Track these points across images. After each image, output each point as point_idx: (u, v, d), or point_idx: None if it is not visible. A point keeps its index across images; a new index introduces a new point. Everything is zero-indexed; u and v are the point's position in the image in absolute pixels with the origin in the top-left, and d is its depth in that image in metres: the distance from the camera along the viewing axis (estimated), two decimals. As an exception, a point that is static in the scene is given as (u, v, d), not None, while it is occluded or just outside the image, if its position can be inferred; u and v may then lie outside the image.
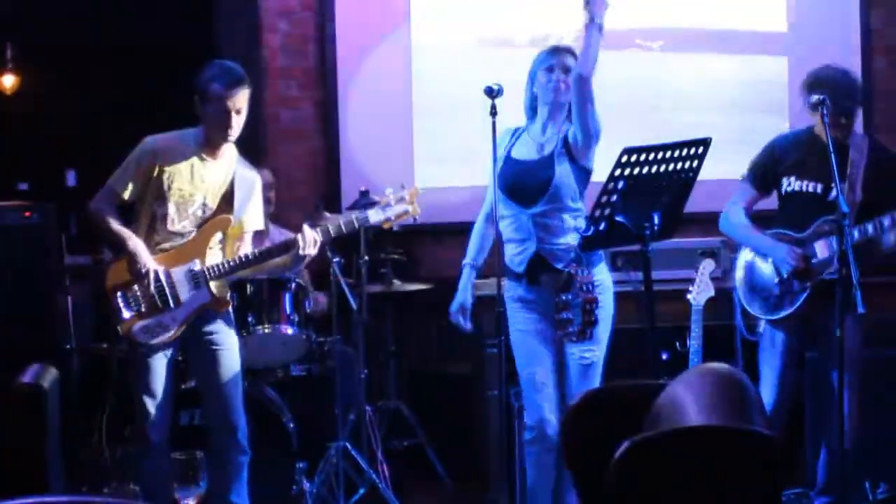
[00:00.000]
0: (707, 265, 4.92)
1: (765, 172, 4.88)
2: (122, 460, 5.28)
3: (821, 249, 4.67)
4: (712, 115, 6.56)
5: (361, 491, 5.28)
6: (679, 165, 4.16)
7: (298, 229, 5.88)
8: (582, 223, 4.41)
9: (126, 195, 4.45)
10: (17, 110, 8.25)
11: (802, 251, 4.70)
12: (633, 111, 6.43)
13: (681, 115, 6.55)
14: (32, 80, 8.23)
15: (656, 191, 4.14)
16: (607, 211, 4.10)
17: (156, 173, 4.41)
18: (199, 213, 4.46)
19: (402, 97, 6.59)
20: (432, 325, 6.47)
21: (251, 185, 4.57)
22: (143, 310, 4.39)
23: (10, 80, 7.74)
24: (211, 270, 4.44)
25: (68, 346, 5.52)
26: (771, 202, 5.00)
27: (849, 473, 4.60)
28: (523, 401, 4.56)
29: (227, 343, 4.55)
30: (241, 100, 4.40)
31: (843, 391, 4.30)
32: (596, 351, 4.44)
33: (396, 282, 5.85)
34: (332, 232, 4.48)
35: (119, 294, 4.39)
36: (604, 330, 4.46)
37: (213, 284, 4.45)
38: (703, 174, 4.43)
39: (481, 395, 5.40)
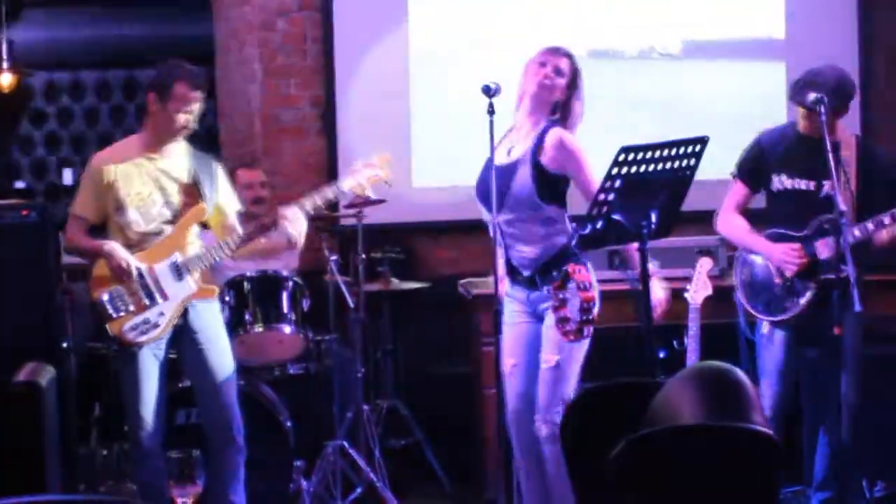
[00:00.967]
0: (704, 264, 4.91)
1: (755, 169, 4.86)
2: (120, 459, 5.27)
3: (822, 249, 4.65)
4: (711, 114, 6.57)
5: (359, 490, 5.28)
6: (676, 164, 4.16)
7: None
8: (560, 235, 4.39)
9: (90, 216, 4.49)
10: (14, 109, 8.25)
11: (802, 248, 4.69)
12: (632, 117, 6.45)
13: (680, 118, 6.55)
14: (30, 79, 8.23)
15: (654, 189, 4.14)
16: (604, 209, 4.10)
17: (109, 184, 4.44)
18: (166, 210, 4.47)
19: (400, 96, 6.59)
20: (430, 324, 6.48)
21: (212, 170, 4.59)
22: (130, 309, 4.40)
23: (7, 79, 7.73)
24: (192, 261, 4.44)
25: (66, 345, 5.51)
26: (758, 200, 4.98)
27: (848, 471, 4.60)
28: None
29: (218, 341, 4.55)
30: (199, 101, 4.45)
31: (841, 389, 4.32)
32: (558, 355, 4.35)
33: (394, 280, 5.85)
34: (307, 206, 4.49)
35: (105, 297, 4.39)
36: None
37: (196, 275, 4.45)
38: (701, 173, 4.43)
39: (479, 394, 5.40)
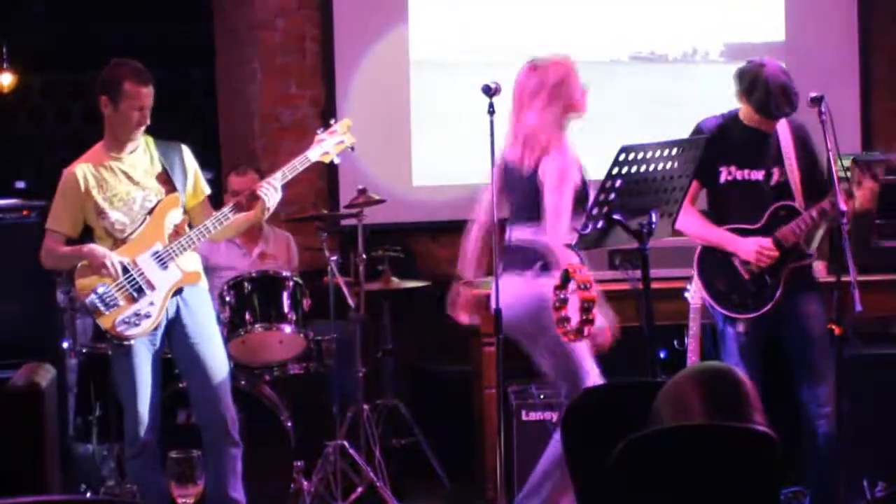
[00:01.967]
0: (704, 262, 4.90)
1: (701, 161, 4.62)
2: (120, 459, 5.27)
3: (785, 237, 4.64)
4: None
5: (359, 489, 5.28)
6: (677, 164, 4.16)
7: (294, 228, 5.92)
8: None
9: (67, 229, 4.49)
10: (14, 109, 8.25)
11: (771, 244, 4.66)
12: (631, 120, 6.45)
13: (679, 120, 6.55)
14: (30, 79, 8.23)
15: (654, 189, 4.14)
16: (605, 209, 4.10)
17: (84, 193, 4.46)
18: (147, 203, 4.49)
19: (400, 95, 6.59)
20: (430, 323, 6.47)
21: (179, 156, 4.60)
22: (120, 303, 4.40)
23: (7, 79, 7.73)
24: (173, 248, 4.45)
25: (66, 346, 5.51)
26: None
27: (838, 469, 4.60)
28: None
29: (209, 335, 4.56)
30: (149, 97, 4.46)
31: (839, 388, 4.32)
32: None
33: (394, 279, 5.85)
34: (278, 179, 4.52)
35: (93, 295, 4.39)
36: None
37: (180, 260, 4.46)
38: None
39: (479, 394, 5.40)
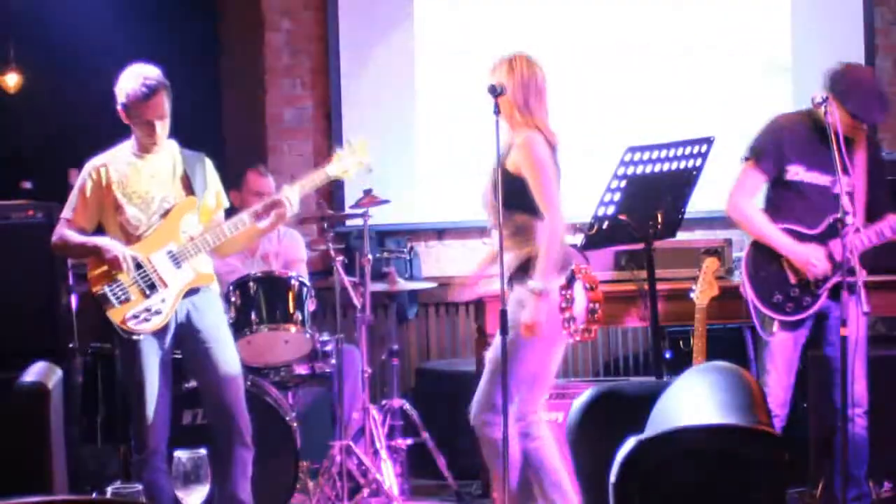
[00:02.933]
0: (710, 264, 4.90)
1: (771, 156, 4.67)
2: (126, 460, 5.27)
3: (836, 249, 4.59)
4: (711, 112, 6.57)
5: (365, 490, 5.28)
6: (682, 164, 4.16)
7: (300, 229, 5.91)
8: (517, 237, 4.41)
9: (83, 222, 4.49)
10: (20, 109, 8.25)
11: (825, 254, 4.63)
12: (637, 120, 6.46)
13: (681, 118, 6.56)
14: (36, 79, 8.23)
15: (659, 189, 4.14)
16: (611, 210, 4.10)
17: (105, 188, 4.46)
18: (165, 205, 4.49)
19: (405, 96, 6.59)
20: (436, 324, 6.48)
21: (201, 164, 4.61)
22: (131, 298, 4.41)
23: (13, 79, 7.73)
24: (188, 248, 4.46)
25: (72, 346, 5.51)
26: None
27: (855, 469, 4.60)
28: None
29: (221, 338, 4.55)
30: (158, 106, 4.44)
31: (846, 388, 4.31)
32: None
33: (399, 280, 5.85)
34: (296, 192, 4.50)
35: (105, 288, 4.40)
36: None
37: (193, 261, 4.46)
38: (707, 173, 4.43)
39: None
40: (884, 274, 5.04)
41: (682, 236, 4.84)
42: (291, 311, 5.23)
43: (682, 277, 5.12)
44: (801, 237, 4.66)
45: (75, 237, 4.51)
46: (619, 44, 6.65)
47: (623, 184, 4.05)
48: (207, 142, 4.97)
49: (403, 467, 5.58)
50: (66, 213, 4.55)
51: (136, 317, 4.40)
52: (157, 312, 4.42)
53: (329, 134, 6.60)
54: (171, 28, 7.29)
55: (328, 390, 5.50)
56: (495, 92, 4.24)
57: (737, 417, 2.98)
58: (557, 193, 4.16)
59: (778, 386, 4.72)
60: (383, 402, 5.82)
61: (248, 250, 5.57)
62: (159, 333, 4.44)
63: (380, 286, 5.71)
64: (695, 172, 4.27)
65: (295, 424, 5.10)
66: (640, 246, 4.25)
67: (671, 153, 4.12)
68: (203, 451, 2.77)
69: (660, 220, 4.14)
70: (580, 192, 4.43)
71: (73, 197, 4.56)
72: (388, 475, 5.29)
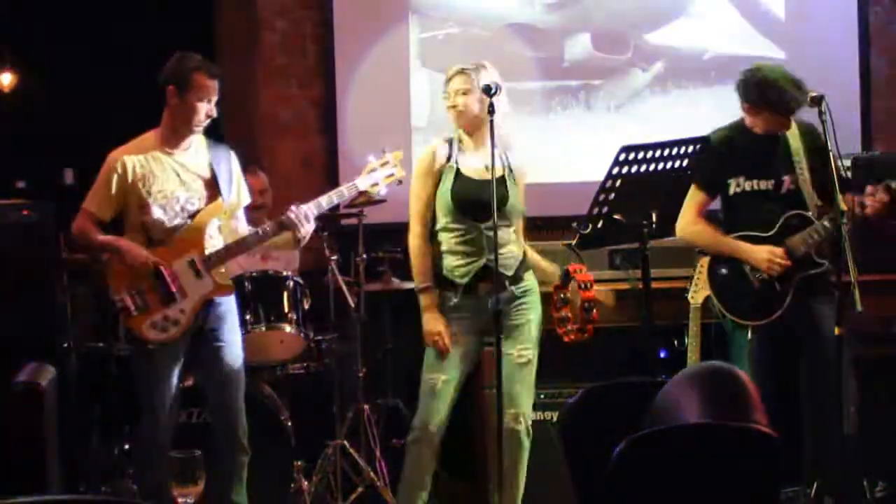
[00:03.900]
0: (705, 263, 4.91)
1: (713, 176, 4.75)
2: (121, 459, 5.27)
3: (796, 246, 4.64)
4: (703, 113, 6.57)
5: (359, 489, 5.28)
6: (677, 164, 4.16)
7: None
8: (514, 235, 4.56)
9: (102, 215, 4.47)
10: (15, 109, 8.24)
11: (783, 252, 4.65)
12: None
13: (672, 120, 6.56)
14: (30, 79, 8.22)
15: (654, 189, 4.14)
16: (605, 209, 4.10)
17: (130, 184, 4.43)
18: (189, 206, 4.47)
19: (400, 95, 6.59)
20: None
21: (228, 162, 4.59)
22: (150, 306, 4.39)
23: (7, 79, 7.72)
24: (210, 258, 4.44)
25: (66, 345, 5.51)
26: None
27: (848, 470, 4.61)
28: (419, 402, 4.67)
29: (233, 342, 4.55)
30: (216, 91, 4.46)
31: (841, 389, 4.32)
32: (531, 349, 4.56)
33: (394, 280, 5.85)
34: (324, 204, 4.53)
35: (124, 295, 4.39)
36: (537, 329, 4.58)
37: (214, 272, 4.45)
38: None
39: (478, 393, 5.40)
40: (874, 273, 5.07)
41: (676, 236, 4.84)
42: (286, 310, 5.24)
43: (676, 277, 5.12)
44: (757, 241, 4.69)
45: (97, 234, 4.46)
46: (616, 43, 6.65)
47: (617, 183, 4.05)
48: (222, 143, 4.95)
49: (398, 467, 5.58)
50: (90, 204, 4.49)
51: (153, 326, 4.40)
52: (175, 323, 4.41)
53: (324, 134, 6.60)
54: (166, 27, 7.28)
55: (323, 390, 5.50)
56: (490, 91, 4.25)
57: (731, 417, 2.98)
58: None
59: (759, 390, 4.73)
60: (378, 401, 5.82)
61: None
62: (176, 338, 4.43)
63: (375, 286, 5.71)
64: (689, 172, 4.27)
65: (289, 424, 5.11)
66: (635, 245, 4.25)
67: (666, 152, 4.12)
68: (198, 452, 2.77)
69: (654, 219, 4.14)
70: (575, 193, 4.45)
71: (97, 188, 4.49)
72: (383, 475, 5.29)
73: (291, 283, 5.27)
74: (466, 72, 4.54)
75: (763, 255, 4.66)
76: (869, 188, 4.57)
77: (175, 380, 4.47)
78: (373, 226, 5.66)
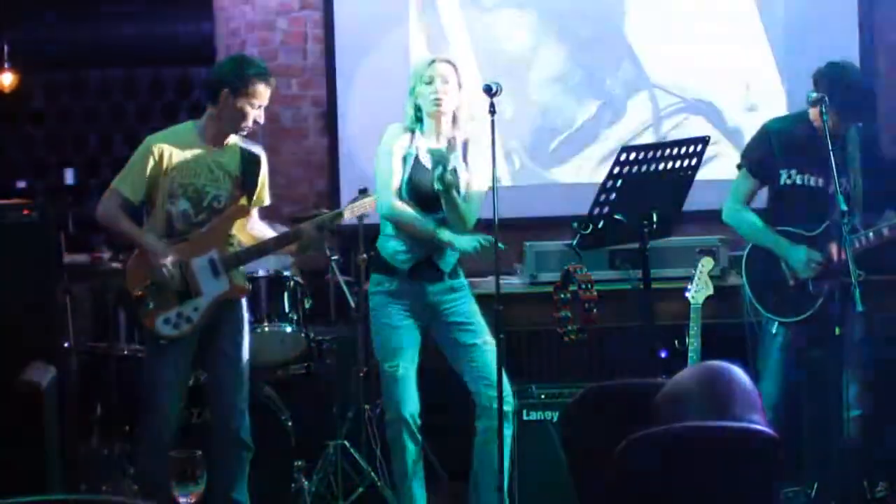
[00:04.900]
0: (705, 263, 4.90)
1: (762, 161, 4.76)
2: (121, 459, 5.27)
3: (834, 250, 4.60)
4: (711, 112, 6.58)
5: (360, 489, 5.28)
6: (677, 164, 4.16)
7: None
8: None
9: (133, 197, 4.43)
10: (15, 108, 8.24)
11: (822, 256, 4.63)
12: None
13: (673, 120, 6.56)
14: (30, 79, 8.22)
15: (655, 189, 4.14)
16: (606, 209, 4.11)
17: (164, 172, 4.40)
18: (216, 203, 4.47)
19: (401, 96, 6.56)
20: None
21: (257, 163, 4.58)
22: (165, 302, 4.39)
23: (8, 79, 7.72)
24: (230, 259, 4.45)
25: (67, 345, 5.51)
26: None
27: (851, 470, 4.60)
28: (382, 393, 4.74)
29: (242, 340, 4.56)
30: (267, 98, 4.45)
31: (846, 389, 4.32)
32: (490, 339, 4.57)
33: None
34: (317, 225, 4.55)
35: (142, 288, 4.39)
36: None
37: (231, 273, 4.46)
38: (703, 173, 4.43)
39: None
40: (886, 274, 5.05)
41: (677, 236, 4.83)
42: (287, 309, 5.24)
43: (676, 277, 5.12)
44: (798, 239, 4.67)
45: (125, 221, 4.42)
46: (614, 44, 6.65)
47: (618, 183, 4.05)
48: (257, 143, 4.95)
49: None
50: (122, 185, 4.43)
51: (167, 322, 4.40)
52: (189, 320, 4.41)
53: (325, 134, 6.60)
54: (166, 28, 7.29)
55: (323, 390, 5.50)
56: (491, 92, 4.25)
57: (731, 416, 2.99)
58: None
59: (774, 386, 4.73)
60: (378, 401, 5.82)
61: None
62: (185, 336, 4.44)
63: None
64: (690, 172, 4.28)
65: (290, 423, 5.11)
66: (635, 245, 4.25)
67: (666, 152, 4.12)
68: (198, 452, 2.77)
69: (655, 219, 4.14)
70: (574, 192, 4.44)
71: (128, 169, 4.45)
72: (383, 475, 5.29)
73: (292, 283, 5.27)
74: (452, 64, 4.54)
75: (801, 256, 4.64)
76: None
77: (184, 377, 4.48)
78: (373, 226, 5.65)
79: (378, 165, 4.57)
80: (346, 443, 5.26)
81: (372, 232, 5.61)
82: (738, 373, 3.17)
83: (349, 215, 4.65)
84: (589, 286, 4.39)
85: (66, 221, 6.19)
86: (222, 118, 4.42)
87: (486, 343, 4.58)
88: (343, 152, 6.53)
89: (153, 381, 4.47)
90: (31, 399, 4.38)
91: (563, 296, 4.47)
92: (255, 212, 4.65)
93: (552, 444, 4.84)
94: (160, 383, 4.44)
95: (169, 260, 4.34)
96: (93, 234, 6.20)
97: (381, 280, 4.62)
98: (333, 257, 5.34)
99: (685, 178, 4.26)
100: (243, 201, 4.51)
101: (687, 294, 4.84)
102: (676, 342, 5.29)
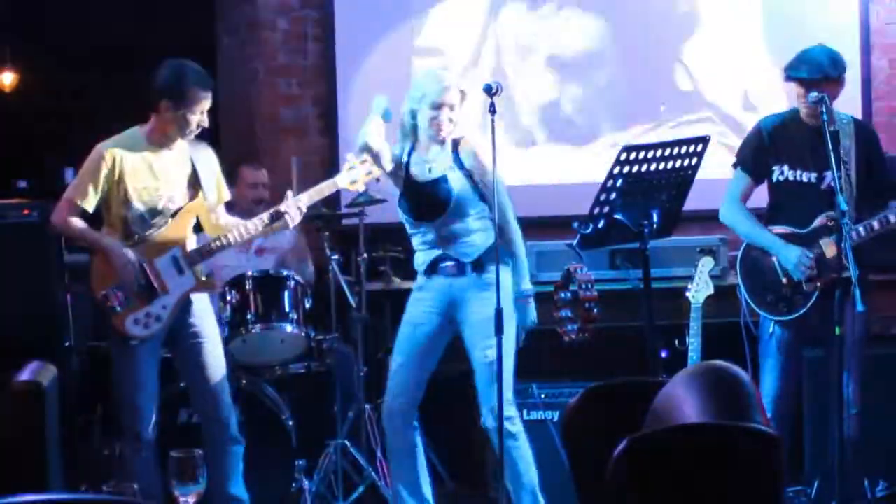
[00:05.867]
0: (706, 263, 4.91)
1: (756, 158, 4.78)
2: (122, 458, 5.27)
3: (828, 247, 4.60)
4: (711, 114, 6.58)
5: (360, 489, 5.28)
6: (678, 163, 4.16)
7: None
8: (485, 222, 4.52)
9: (87, 205, 4.46)
10: (16, 108, 8.25)
11: (814, 254, 4.63)
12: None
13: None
14: (32, 79, 8.24)
15: (655, 189, 4.14)
16: (606, 209, 4.11)
17: (116, 178, 4.43)
18: (170, 204, 4.49)
19: (401, 95, 6.56)
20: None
21: (210, 160, 4.62)
22: (133, 303, 4.41)
23: (9, 78, 7.74)
24: (193, 255, 4.47)
25: (67, 344, 5.51)
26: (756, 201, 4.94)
27: (850, 470, 4.60)
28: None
29: (209, 334, 4.58)
30: (210, 101, 4.47)
31: (843, 388, 4.31)
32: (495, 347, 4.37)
33: (395, 279, 5.85)
34: (304, 202, 4.55)
35: (107, 292, 4.40)
36: (511, 327, 4.48)
37: (196, 268, 4.48)
38: (703, 172, 4.43)
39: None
40: (880, 273, 5.05)
41: (677, 235, 4.83)
42: (287, 309, 5.24)
43: (676, 277, 5.12)
44: (794, 238, 4.68)
45: (81, 226, 4.46)
46: (615, 43, 6.66)
47: (619, 183, 4.05)
48: (202, 141, 4.95)
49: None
50: (74, 194, 4.47)
51: (136, 322, 4.42)
52: (158, 319, 4.43)
53: (326, 133, 6.60)
54: (167, 27, 7.29)
55: (324, 389, 5.50)
56: (491, 91, 4.25)
57: (732, 416, 2.98)
58: None
59: (774, 386, 4.73)
60: (379, 401, 5.82)
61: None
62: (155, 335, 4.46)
63: (376, 285, 5.72)
64: (690, 171, 4.28)
65: (290, 423, 5.11)
66: (636, 245, 4.25)
67: (667, 152, 4.12)
68: (198, 451, 2.77)
69: (655, 219, 4.14)
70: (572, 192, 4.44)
71: (80, 179, 4.48)
72: (384, 474, 5.30)
73: (292, 283, 5.27)
74: (463, 91, 4.55)
75: (793, 257, 4.64)
76: (892, 216, 4.55)
77: (155, 375, 4.49)
78: (373, 225, 5.66)
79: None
80: (346, 442, 5.27)
81: (371, 232, 5.62)
82: (740, 372, 3.16)
83: (343, 183, 4.64)
84: (589, 286, 4.39)
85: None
86: (167, 126, 4.46)
87: (486, 357, 4.51)
88: (343, 152, 6.51)
89: (126, 383, 4.49)
90: (31, 398, 4.38)
91: (563, 295, 4.47)
92: (220, 208, 4.65)
93: (552, 444, 4.85)
94: (134, 384, 4.47)
95: (132, 258, 4.36)
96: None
97: (417, 277, 4.70)
98: (334, 257, 5.34)
99: (686, 178, 4.26)
100: (199, 198, 4.51)
101: (687, 294, 4.84)
102: (676, 342, 5.30)
